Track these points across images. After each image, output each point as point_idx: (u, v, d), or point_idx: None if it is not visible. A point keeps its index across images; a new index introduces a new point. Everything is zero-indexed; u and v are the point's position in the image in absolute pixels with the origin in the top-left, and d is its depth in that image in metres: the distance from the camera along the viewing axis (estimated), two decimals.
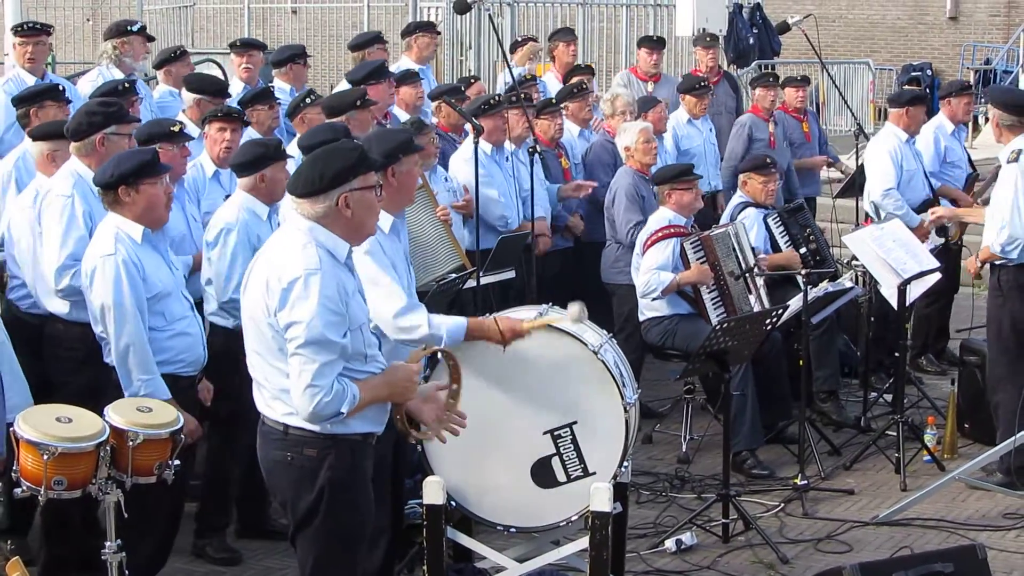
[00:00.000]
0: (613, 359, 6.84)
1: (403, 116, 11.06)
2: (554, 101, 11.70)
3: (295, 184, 5.71)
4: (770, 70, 19.40)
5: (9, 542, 7.71)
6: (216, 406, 7.57)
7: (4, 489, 7.24)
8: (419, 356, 6.01)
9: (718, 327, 8.43)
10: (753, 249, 10.23)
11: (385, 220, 6.42)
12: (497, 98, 10.72)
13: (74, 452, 6.11)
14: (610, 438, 6.63)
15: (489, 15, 14.57)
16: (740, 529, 8.46)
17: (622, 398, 6.61)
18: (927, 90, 21.92)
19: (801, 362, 9.60)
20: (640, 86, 13.47)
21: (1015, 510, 8.91)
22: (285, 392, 5.64)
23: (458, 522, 6.89)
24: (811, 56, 14.48)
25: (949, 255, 11.50)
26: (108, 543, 6.32)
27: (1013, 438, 8.88)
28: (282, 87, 11.49)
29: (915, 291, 10.06)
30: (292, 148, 9.24)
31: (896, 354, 10.11)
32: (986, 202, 10.48)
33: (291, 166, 8.08)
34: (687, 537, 8.30)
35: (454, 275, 9.01)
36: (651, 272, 9.80)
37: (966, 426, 10.22)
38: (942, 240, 11.23)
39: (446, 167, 10.44)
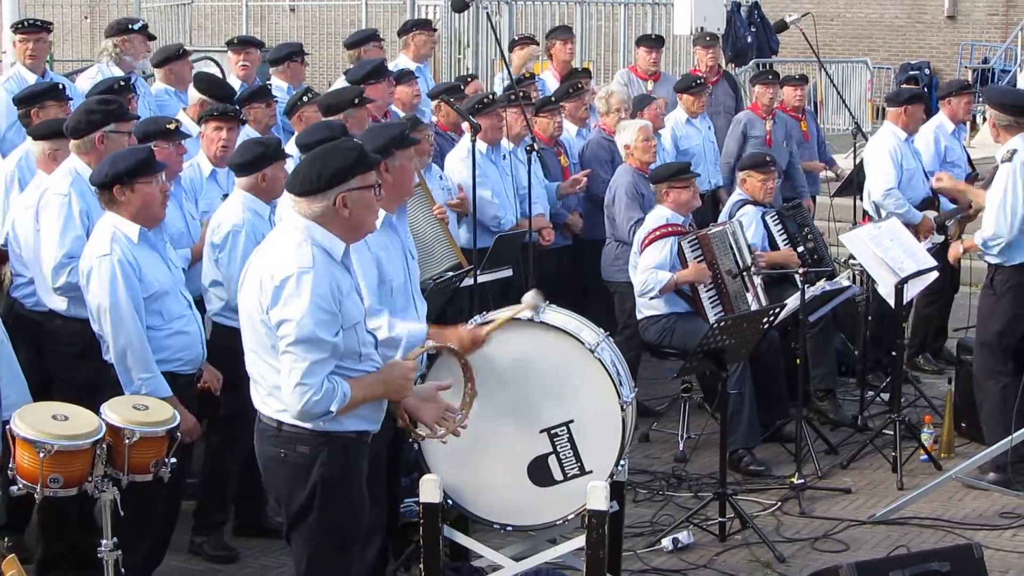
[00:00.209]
0: (610, 358, 6.84)
1: (401, 115, 11.06)
2: (553, 99, 11.69)
3: (293, 183, 5.71)
4: (768, 69, 19.40)
5: (6, 539, 7.74)
6: (219, 404, 7.56)
7: (0, 487, 7.23)
8: (416, 354, 6.01)
9: (715, 325, 8.43)
10: (750, 247, 10.23)
11: (379, 216, 6.42)
12: (492, 96, 10.72)
13: (70, 450, 6.10)
14: (607, 437, 6.63)
15: (487, 13, 14.58)
16: (737, 528, 8.46)
17: (619, 397, 6.61)
18: (925, 89, 21.92)
19: (798, 361, 9.60)
20: (640, 85, 13.47)
21: (1012, 509, 8.92)
22: (278, 389, 5.65)
23: (455, 520, 6.89)
24: (809, 55, 14.47)
25: (948, 254, 11.49)
26: (104, 541, 6.31)
27: (1009, 438, 8.89)
28: (280, 85, 11.48)
29: (912, 290, 10.07)
30: (290, 147, 9.25)
31: (894, 353, 10.11)
32: None
33: (289, 165, 8.09)
34: (684, 536, 8.30)
35: (451, 273, 9.00)
36: (649, 271, 9.80)
37: (963, 425, 10.22)
38: (941, 239, 11.23)
39: (443, 166, 10.43)
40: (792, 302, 9.54)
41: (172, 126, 8.05)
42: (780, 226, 10.89)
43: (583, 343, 6.65)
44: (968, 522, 8.75)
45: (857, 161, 12.18)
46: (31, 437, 6.06)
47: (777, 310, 9.01)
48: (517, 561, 6.95)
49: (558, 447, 6.63)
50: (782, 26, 14.33)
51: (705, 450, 9.76)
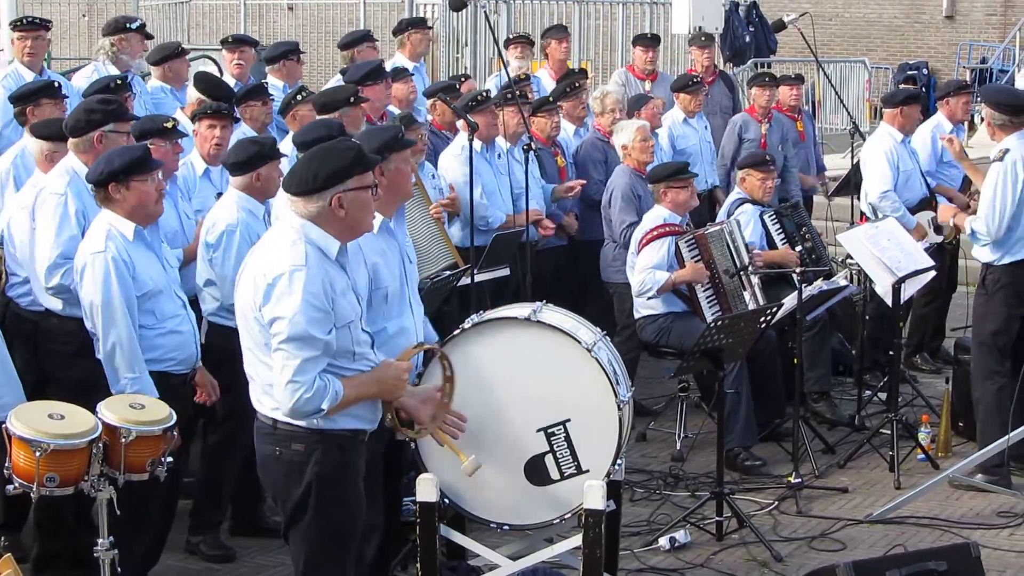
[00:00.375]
0: (607, 357, 6.83)
1: (397, 112, 11.07)
2: (551, 99, 11.69)
3: (290, 182, 5.73)
4: (766, 68, 19.40)
5: (3, 539, 7.71)
6: (216, 404, 7.56)
7: None
8: (410, 354, 6.02)
9: (712, 324, 8.43)
10: (747, 245, 10.22)
11: (375, 220, 6.42)
12: (485, 94, 10.71)
13: (66, 449, 6.09)
14: (603, 436, 6.62)
15: (485, 12, 14.56)
16: (734, 527, 8.47)
17: (615, 396, 6.60)
18: (923, 89, 21.92)
19: (796, 360, 9.60)
20: (637, 85, 13.46)
21: (1009, 508, 8.92)
22: (272, 387, 5.67)
23: (451, 520, 6.88)
24: (807, 55, 14.47)
25: (945, 254, 11.50)
26: (101, 540, 6.30)
27: (1006, 438, 8.89)
28: (275, 84, 11.47)
29: (909, 289, 10.07)
30: (284, 145, 9.26)
31: (891, 352, 10.11)
32: None
33: (283, 164, 8.10)
34: (681, 535, 8.30)
35: (448, 273, 9.00)
36: (646, 271, 9.80)
37: (960, 424, 10.22)
38: (939, 238, 11.23)
39: (436, 164, 10.43)
40: (789, 301, 9.54)
41: (169, 124, 8.05)
42: (778, 225, 10.89)
43: (580, 342, 6.64)
44: (965, 521, 8.75)
45: (855, 161, 12.17)
46: (27, 436, 6.05)
47: (774, 309, 9.01)
48: (514, 560, 6.93)
49: (555, 446, 6.61)
50: (780, 26, 14.34)
51: (702, 449, 9.76)
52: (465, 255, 9.42)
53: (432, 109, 11.02)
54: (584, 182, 11.23)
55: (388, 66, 11.59)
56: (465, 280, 9.11)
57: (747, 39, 19.23)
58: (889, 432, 9.71)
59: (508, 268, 10.07)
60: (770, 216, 10.89)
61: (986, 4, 27.02)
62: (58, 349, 7.47)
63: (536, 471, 6.63)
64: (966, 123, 12.86)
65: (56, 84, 8.94)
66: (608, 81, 14.82)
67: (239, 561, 8.09)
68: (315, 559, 5.81)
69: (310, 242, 5.63)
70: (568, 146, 11.79)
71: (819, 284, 10.02)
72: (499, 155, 10.73)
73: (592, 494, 6.54)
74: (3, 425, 6.18)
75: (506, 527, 6.80)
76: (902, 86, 18.20)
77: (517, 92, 10.75)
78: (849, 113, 15.18)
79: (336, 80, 12.16)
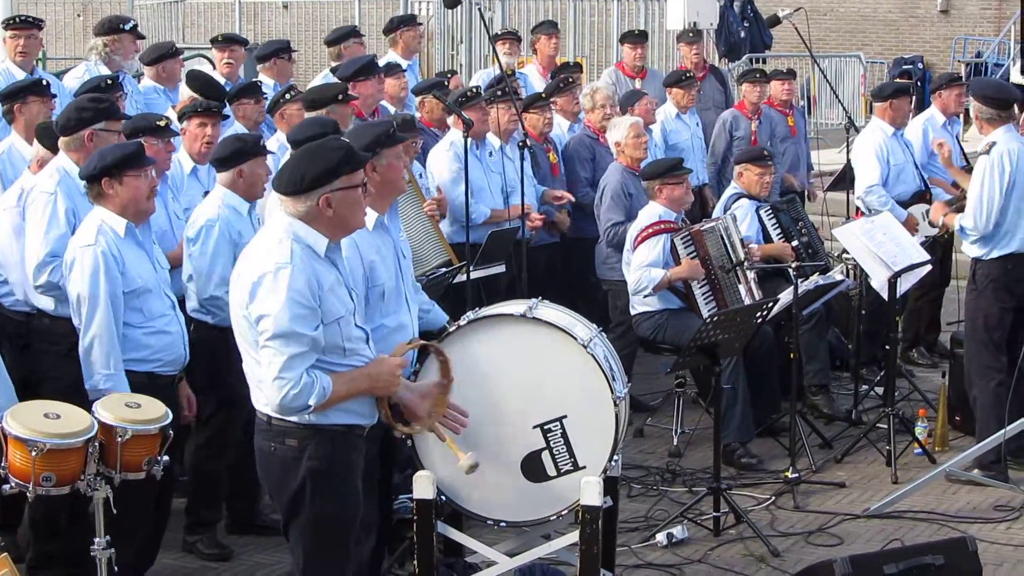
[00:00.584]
0: (603, 353, 6.83)
1: (389, 108, 11.07)
2: (544, 95, 11.68)
3: (279, 181, 5.76)
4: (761, 64, 19.39)
5: None
6: (199, 404, 7.53)
7: None
8: (404, 350, 6.02)
9: (708, 320, 8.43)
10: (743, 241, 10.20)
11: (369, 217, 6.41)
12: (476, 90, 10.70)
13: (63, 448, 6.09)
14: (600, 432, 6.61)
15: (479, 9, 14.54)
16: (731, 522, 8.47)
17: (612, 392, 6.60)
18: (918, 83, 21.93)
19: (793, 356, 9.60)
20: (627, 82, 13.44)
21: (1006, 502, 8.92)
22: (263, 383, 5.69)
23: (448, 517, 6.88)
24: (802, 50, 14.48)
25: (938, 248, 11.50)
26: (97, 539, 6.29)
27: (1002, 431, 8.90)
28: (266, 82, 11.46)
29: (905, 284, 10.07)
30: (271, 144, 9.25)
31: (887, 347, 10.11)
32: None
33: (270, 161, 8.10)
34: (678, 531, 8.30)
35: (444, 270, 9.00)
36: (642, 269, 9.79)
37: (957, 418, 10.22)
38: (933, 231, 11.23)
39: (425, 162, 10.41)
40: (785, 297, 9.54)
41: (162, 123, 8.05)
42: (774, 220, 10.89)
43: (576, 338, 6.64)
44: (962, 515, 8.75)
45: (850, 156, 12.16)
46: (23, 436, 6.04)
47: (770, 304, 9.01)
48: (511, 557, 6.93)
49: (551, 443, 6.61)
50: (774, 21, 14.30)
51: (699, 445, 9.76)
52: (459, 253, 9.41)
53: (421, 106, 10.99)
54: (571, 198, 11.22)
55: (380, 63, 11.58)
56: (459, 277, 9.10)
57: (742, 34, 19.23)
58: (886, 426, 9.71)
59: (504, 265, 10.06)
60: (766, 211, 10.89)
61: None
62: (50, 350, 7.44)
63: (533, 468, 6.63)
64: (961, 116, 12.82)
65: (44, 82, 8.90)
66: (599, 78, 14.80)
67: (236, 559, 8.08)
68: (313, 554, 5.82)
69: (298, 240, 5.65)
70: (562, 142, 11.79)
71: (815, 279, 10.02)
72: (491, 152, 10.72)
73: (589, 490, 6.54)
74: None
75: (503, 524, 6.79)
76: (896, 80, 18.18)
77: (506, 89, 10.74)
78: (844, 108, 15.15)
79: (323, 76, 12.17)
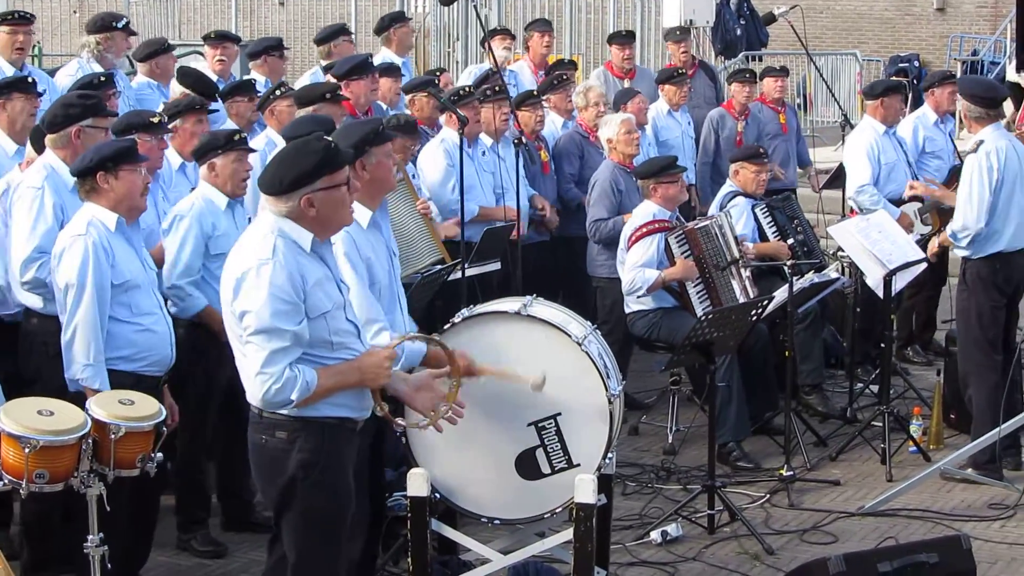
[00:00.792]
0: (597, 350, 6.83)
1: (382, 107, 11.07)
2: (536, 93, 11.68)
3: (262, 181, 5.80)
4: (757, 62, 19.39)
5: None
6: (178, 400, 7.50)
7: None
8: (396, 343, 6.00)
9: (703, 318, 8.43)
10: (737, 238, 10.18)
11: (363, 215, 6.44)
12: (468, 89, 10.69)
13: (56, 445, 6.08)
14: (594, 430, 6.62)
15: (475, 6, 14.51)
16: (726, 520, 8.47)
17: (606, 389, 6.60)
18: (914, 81, 21.90)
19: (788, 353, 9.59)
20: (616, 83, 13.42)
21: (1000, 500, 8.93)
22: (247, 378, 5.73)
23: (442, 514, 6.88)
24: (798, 47, 14.47)
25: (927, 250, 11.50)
26: (91, 537, 6.28)
27: (997, 430, 8.91)
28: (257, 79, 11.45)
29: (900, 282, 10.07)
30: (259, 140, 9.25)
31: (882, 345, 10.11)
32: None
33: (256, 158, 8.11)
34: (673, 528, 8.30)
35: (439, 267, 8.99)
36: (636, 269, 9.78)
37: (952, 416, 10.22)
38: (927, 229, 11.23)
39: (415, 161, 10.39)
40: (780, 294, 9.53)
41: (156, 120, 8.03)
42: (770, 218, 10.88)
43: (570, 336, 6.64)
44: (957, 513, 8.76)
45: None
46: (16, 433, 6.03)
47: (765, 302, 9.00)
48: (505, 555, 6.93)
49: (546, 440, 6.61)
50: (770, 18, 14.31)
51: (694, 443, 9.75)
52: (454, 250, 9.40)
53: (411, 104, 10.96)
54: (548, 213, 11.22)
55: (376, 61, 11.56)
56: (454, 274, 9.09)
57: (738, 32, 19.23)
58: (881, 424, 9.72)
59: (499, 262, 10.05)
60: (762, 209, 10.88)
61: None
62: (39, 349, 7.37)
63: (527, 465, 6.63)
64: (957, 115, 12.82)
65: (29, 79, 8.87)
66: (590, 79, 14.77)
67: (231, 556, 8.07)
68: (304, 548, 5.82)
69: (283, 235, 5.68)
70: (555, 139, 11.79)
71: (810, 277, 10.01)
72: (483, 152, 10.71)
73: (583, 488, 6.54)
74: None
75: (497, 521, 6.80)
76: (892, 78, 18.16)
77: (497, 88, 10.73)
78: (840, 106, 15.18)
79: (311, 74, 12.17)
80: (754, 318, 8.84)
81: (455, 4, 18.78)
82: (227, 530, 8.32)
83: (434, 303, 9.04)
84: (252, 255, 5.65)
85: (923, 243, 10.63)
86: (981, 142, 9.22)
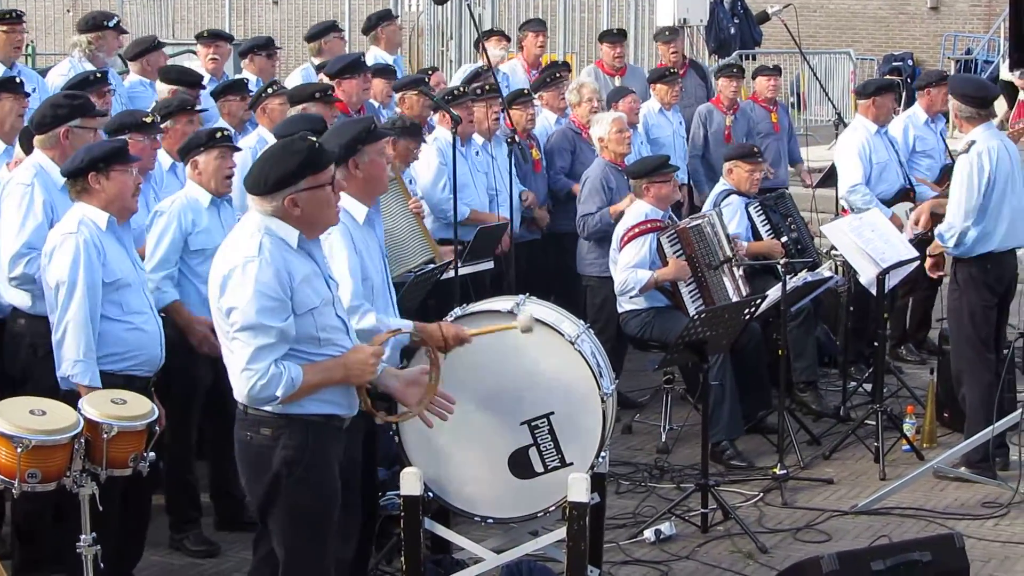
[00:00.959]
0: (590, 349, 6.84)
1: (374, 106, 11.07)
2: (527, 91, 11.68)
3: (247, 181, 5.81)
4: (751, 60, 19.38)
5: None
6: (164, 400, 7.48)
7: None
8: (382, 339, 6.00)
9: (696, 317, 8.43)
10: (728, 237, 10.17)
11: (360, 211, 6.45)
12: (461, 89, 10.68)
13: (48, 445, 6.06)
14: (587, 428, 6.63)
15: (468, 5, 14.48)
16: (719, 519, 8.47)
17: (599, 388, 6.61)
18: (908, 80, 21.92)
19: (781, 352, 9.60)
20: (607, 80, 13.42)
21: (994, 499, 8.93)
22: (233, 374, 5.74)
23: (436, 513, 6.89)
24: (792, 46, 14.48)
25: (925, 246, 11.48)
26: (83, 536, 6.27)
27: (990, 428, 8.91)
28: (249, 79, 11.45)
29: (893, 280, 10.07)
30: (250, 139, 9.24)
31: (875, 344, 10.12)
32: None
33: (238, 158, 8.11)
34: (666, 527, 8.29)
35: (432, 266, 8.99)
36: (628, 270, 9.77)
37: (945, 415, 10.22)
38: (919, 230, 11.21)
39: None
40: (773, 293, 9.53)
41: (148, 119, 8.02)
42: (763, 217, 10.87)
43: (563, 335, 6.64)
44: (950, 512, 8.76)
45: None
46: (8, 432, 6.01)
47: (758, 301, 9.00)
48: (498, 553, 6.94)
49: (539, 439, 6.62)
50: (764, 17, 14.34)
51: (687, 441, 9.76)
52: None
53: (401, 103, 10.95)
54: (536, 204, 11.23)
55: (369, 60, 11.56)
56: (447, 274, 9.09)
57: (732, 31, 19.20)
58: (874, 423, 9.71)
59: (492, 261, 10.05)
60: (755, 208, 10.88)
61: None
62: (27, 351, 7.35)
63: (520, 464, 6.64)
64: (951, 115, 12.82)
65: (16, 79, 8.86)
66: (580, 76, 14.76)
67: (224, 555, 8.06)
68: (292, 545, 5.81)
69: (269, 233, 5.69)
70: (548, 136, 11.80)
71: (803, 275, 10.01)
72: (477, 152, 10.71)
73: (576, 487, 6.55)
74: None
75: (490, 520, 6.82)
76: (885, 77, 18.17)
77: (488, 86, 10.73)
78: (834, 105, 15.18)
79: (302, 71, 12.17)
80: (747, 317, 8.84)
81: (448, 3, 18.74)
82: (220, 529, 8.31)
83: (427, 302, 9.05)
84: (238, 253, 5.66)
85: (915, 243, 10.62)
86: (973, 142, 9.21)
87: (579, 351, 6.61)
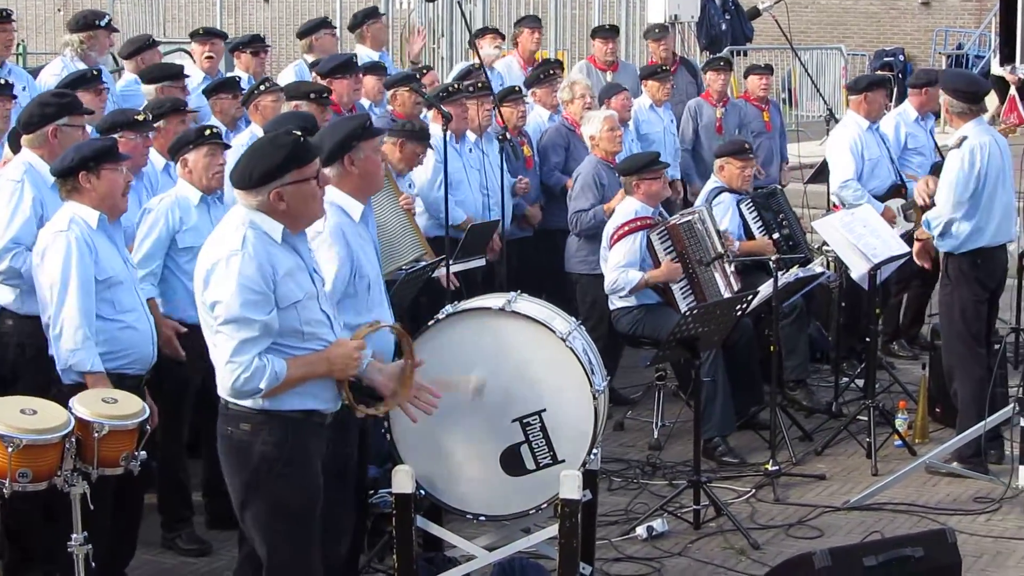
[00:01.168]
0: (582, 346, 6.83)
1: (365, 104, 11.07)
2: (520, 88, 11.67)
3: (233, 175, 5.83)
4: (742, 56, 19.40)
5: None
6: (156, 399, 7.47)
7: None
8: (363, 332, 5.99)
9: (687, 313, 8.42)
10: (719, 232, 10.17)
11: (356, 209, 6.45)
12: (456, 86, 10.68)
13: (39, 444, 6.08)
14: (579, 425, 6.62)
15: (459, 3, 14.48)
16: (711, 515, 8.46)
17: (590, 385, 6.60)
18: (899, 76, 21.93)
19: (773, 348, 9.60)
20: (599, 76, 13.41)
21: (985, 494, 8.93)
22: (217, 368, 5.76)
23: (427, 511, 6.88)
24: (783, 42, 14.47)
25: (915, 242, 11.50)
26: (75, 535, 6.27)
27: (982, 423, 8.92)
28: (240, 75, 11.46)
29: (884, 274, 10.08)
30: (243, 136, 9.23)
31: (867, 339, 10.12)
32: None
33: (232, 154, 8.11)
34: (658, 524, 8.30)
35: (423, 263, 8.97)
36: (618, 270, 9.77)
37: (937, 410, 10.23)
38: (910, 225, 11.24)
39: None
40: (765, 289, 9.53)
41: (140, 117, 8.01)
42: (755, 213, 10.88)
43: (555, 332, 6.64)
44: (942, 507, 8.76)
45: None
46: None
47: (750, 297, 9.01)
48: (490, 551, 6.93)
49: (530, 436, 6.61)
50: (755, 13, 14.34)
51: (679, 438, 9.75)
52: (438, 247, 9.38)
53: (393, 99, 10.94)
54: (539, 217, 11.25)
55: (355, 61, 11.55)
56: (438, 271, 9.08)
57: (723, 27, 19.21)
58: (866, 419, 9.72)
59: (484, 259, 10.04)
60: (747, 204, 10.88)
61: None
62: (15, 352, 7.33)
63: (512, 461, 6.63)
64: (943, 113, 12.81)
65: (3, 81, 8.84)
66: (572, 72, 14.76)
67: (215, 554, 8.06)
68: (273, 542, 5.80)
69: (253, 227, 5.71)
70: (540, 132, 11.79)
71: (795, 271, 10.02)
72: (470, 148, 10.70)
73: (568, 484, 6.54)
74: None
75: (482, 518, 6.80)
76: (877, 73, 18.18)
77: (480, 83, 10.72)
78: (825, 100, 15.18)
79: (294, 67, 12.16)
80: (739, 313, 8.84)
81: (439, 1, 18.75)
82: (211, 528, 8.29)
83: (419, 299, 9.03)
84: (222, 247, 5.68)
85: (907, 238, 10.63)
86: (964, 138, 9.21)
87: (570, 348, 6.61)
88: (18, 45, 15.92)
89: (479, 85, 10.70)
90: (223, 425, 5.82)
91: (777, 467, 9.19)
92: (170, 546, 8.08)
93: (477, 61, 11.84)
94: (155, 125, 8.44)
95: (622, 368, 10.94)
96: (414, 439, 6.57)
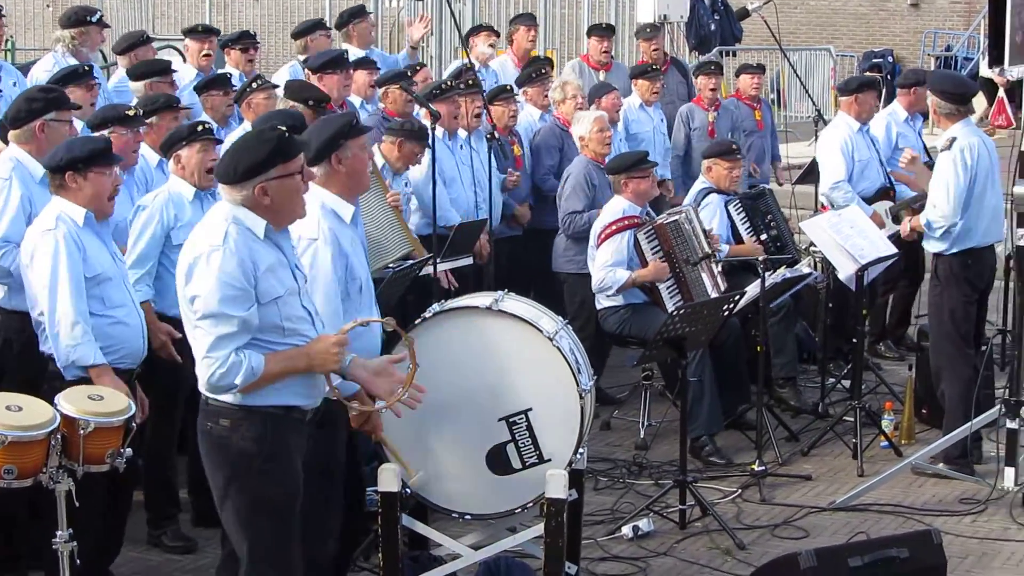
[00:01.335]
0: (568, 346, 6.83)
1: (356, 101, 11.06)
2: (511, 87, 11.66)
3: (218, 170, 5.85)
4: (731, 57, 19.40)
5: None
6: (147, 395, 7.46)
7: None
8: (347, 328, 5.98)
9: (674, 313, 8.43)
10: (706, 232, 10.17)
11: (346, 210, 6.44)
12: (449, 83, 10.68)
13: (25, 441, 6.05)
14: (565, 425, 6.62)
15: (448, 2, 14.45)
16: (697, 515, 8.47)
17: (577, 384, 6.60)
18: (888, 77, 21.96)
19: (760, 348, 9.61)
20: (592, 75, 13.42)
21: (971, 495, 8.95)
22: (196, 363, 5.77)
23: (413, 509, 6.87)
24: (772, 43, 14.49)
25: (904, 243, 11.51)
26: (59, 532, 6.25)
27: (969, 424, 8.94)
28: (231, 72, 11.44)
29: (871, 274, 10.09)
30: (235, 135, 9.19)
31: (854, 340, 10.13)
32: None
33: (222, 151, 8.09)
34: (644, 523, 8.30)
35: (411, 261, 8.97)
36: (606, 269, 9.77)
37: (924, 411, 10.24)
38: (897, 228, 11.25)
39: None
40: (752, 289, 9.54)
41: (131, 112, 8.00)
42: (743, 214, 10.88)
43: (542, 331, 6.64)
44: (928, 508, 8.78)
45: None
46: None
47: (737, 297, 9.01)
48: (476, 550, 6.93)
49: (517, 435, 6.61)
50: (744, 14, 14.34)
51: (666, 438, 9.76)
52: (427, 244, 9.38)
53: (384, 97, 10.93)
54: (528, 216, 11.25)
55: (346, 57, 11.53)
56: (426, 269, 9.07)
57: (712, 27, 19.21)
58: (852, 419, 9.73)
59: (471, 257, 10.04)
60: (735, 205, 10.88)
61: None
62: (1, 347, 7.32)
63: (498, 460, 6.63)
64: (931, 114, 12.83)
65: None
66: (564, 71, 14.76)
67: (201, 552, 8.04)
68: (253, 539, 5.78)
69: (236, 222, 5.71)
70: (532, 131, 11.78)
71: (783, 272, 10.02)
72: (461, 146, 10.70)
73: (554, 483, 6.54)
74: None
75: (468, 516, 6.80)
76: (866, 74, 18.20)
77: (470, 81, 10.73)
78: (813, 101, 15.19)
79: (288, 68, 12.16)
80: (726, 313, 8.85)
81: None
82: (197, 525, 8.28)
83: (406, 298, 9.03)
84: (204, 242, 5.69)
85: (895, 239, 10.65)
86: (954, 139, 9.23)
87: (557, 347, 6.61)
88: (7, 41, 15.87)
89: (469, 83, 10.70)
90: (203, 421, 5.82)
91: (763, 467, 9.20)
92: (156, 543, 8.07)
93: (467, 60, 11.83)
94: (148, 121, 8.44)
95: (609, 367, 10.94)
96: (401, 438, 6.56)
